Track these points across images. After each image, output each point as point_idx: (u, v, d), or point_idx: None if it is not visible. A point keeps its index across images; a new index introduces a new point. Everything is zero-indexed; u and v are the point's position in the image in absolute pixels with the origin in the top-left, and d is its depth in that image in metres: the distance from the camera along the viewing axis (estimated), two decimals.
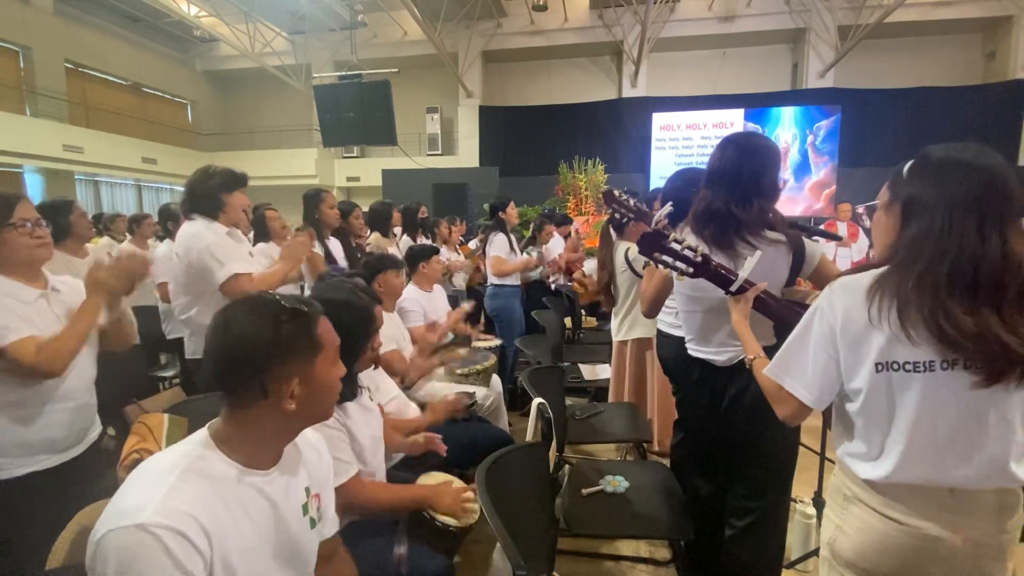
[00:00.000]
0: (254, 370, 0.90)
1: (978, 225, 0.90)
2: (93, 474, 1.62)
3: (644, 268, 1.89)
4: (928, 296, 0.90)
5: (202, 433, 0.93)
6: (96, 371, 1.65)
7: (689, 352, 1.72)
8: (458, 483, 1.67)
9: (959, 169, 0.93)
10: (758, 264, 1.34)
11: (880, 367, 0.95)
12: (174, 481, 0.83)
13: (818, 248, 1.61)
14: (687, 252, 1.33)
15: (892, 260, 0.97)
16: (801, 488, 2.11)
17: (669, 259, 1.34)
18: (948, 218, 0.91)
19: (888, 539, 0.99)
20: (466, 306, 3.26)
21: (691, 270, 1.34)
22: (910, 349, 0.92)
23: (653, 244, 1.35)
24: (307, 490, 1.05)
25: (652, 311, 1.82)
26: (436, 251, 3.27)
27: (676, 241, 1.33)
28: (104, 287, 1.53)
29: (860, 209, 6.11)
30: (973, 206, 0.90)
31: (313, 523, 1.06)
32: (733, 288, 1.34)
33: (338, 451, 1.43)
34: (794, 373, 1.06)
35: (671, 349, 2.04)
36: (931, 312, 0.90)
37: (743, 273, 1.33)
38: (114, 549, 0.76)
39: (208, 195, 2.18)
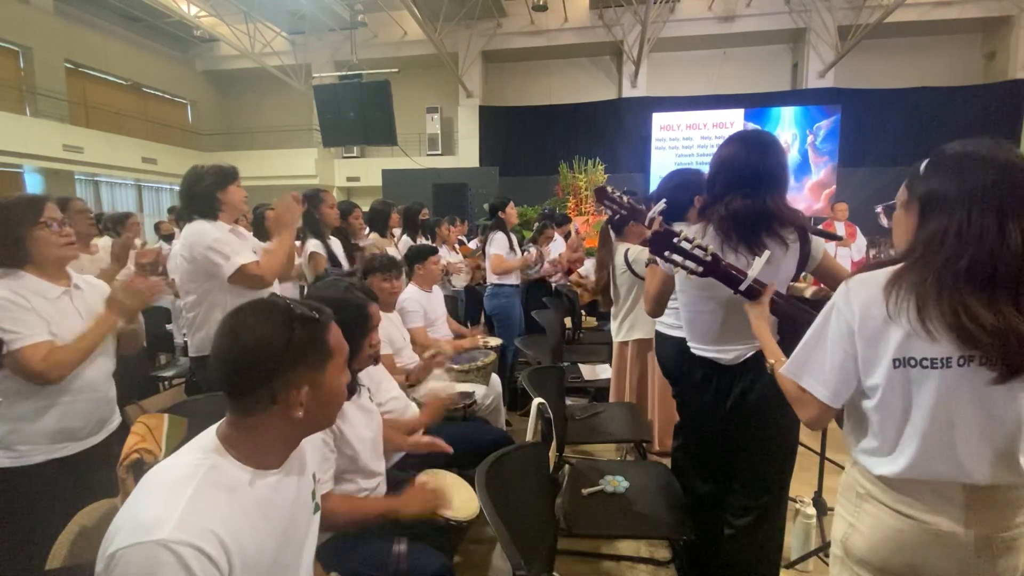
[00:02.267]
0: (264, 377, 0.88)
1: (998, 219, 0.90)
2: (109, 463, 1.65)
3: (646, 267, 1.89)
4: (947, 291, 0.91)
5: (211, 439, 0.91)
6: (115, 364, 1.72)
7: (692, 351, 1.72)
8: (451, 477, 1.65)
9: (977, 163, 0.93)
10: (772, 260, 1.33)
11: (897, 363, 0.96)
12: (192, 493, 0.81)
13: (821, 243, 1.62)
14: (697, 251, 1.34)
15: (910, 256, 0.97)
16: (801, 488, 2.11)
17: (679, 258, 1.34)
18: (968, 212, 0.92)
19: (901, 535, 0.99)
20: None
21: (700, 269, 1.34)
22: (928, 345, 0.93)
23: (663, 243, 1.35)
24: (313, 476, 1.06)
25: (657, 310, 1.82)
26: (435, 251, 3.28)
27: (686, 240, 1.34)
28: (126, 311, 1.65)
29: (879, 208, 6.08)
30: (993, 200, 0.91)
31: (317, 508, 1.07)
32: (742, 287, 1.35)
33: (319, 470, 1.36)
34: (811, 371, 1.06)
35: (671, 350, 2.04)
36: (951, 307, 0.90)
37: (752, 272, 1.34)
38: (133, 565, 0.75)
39: (204, 197, 2.18)
